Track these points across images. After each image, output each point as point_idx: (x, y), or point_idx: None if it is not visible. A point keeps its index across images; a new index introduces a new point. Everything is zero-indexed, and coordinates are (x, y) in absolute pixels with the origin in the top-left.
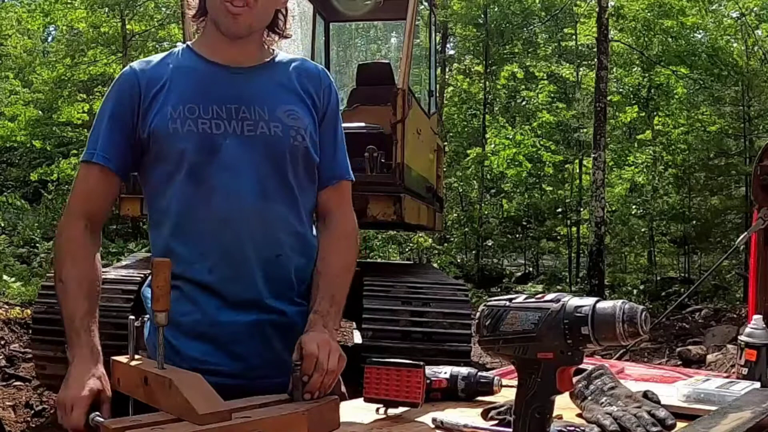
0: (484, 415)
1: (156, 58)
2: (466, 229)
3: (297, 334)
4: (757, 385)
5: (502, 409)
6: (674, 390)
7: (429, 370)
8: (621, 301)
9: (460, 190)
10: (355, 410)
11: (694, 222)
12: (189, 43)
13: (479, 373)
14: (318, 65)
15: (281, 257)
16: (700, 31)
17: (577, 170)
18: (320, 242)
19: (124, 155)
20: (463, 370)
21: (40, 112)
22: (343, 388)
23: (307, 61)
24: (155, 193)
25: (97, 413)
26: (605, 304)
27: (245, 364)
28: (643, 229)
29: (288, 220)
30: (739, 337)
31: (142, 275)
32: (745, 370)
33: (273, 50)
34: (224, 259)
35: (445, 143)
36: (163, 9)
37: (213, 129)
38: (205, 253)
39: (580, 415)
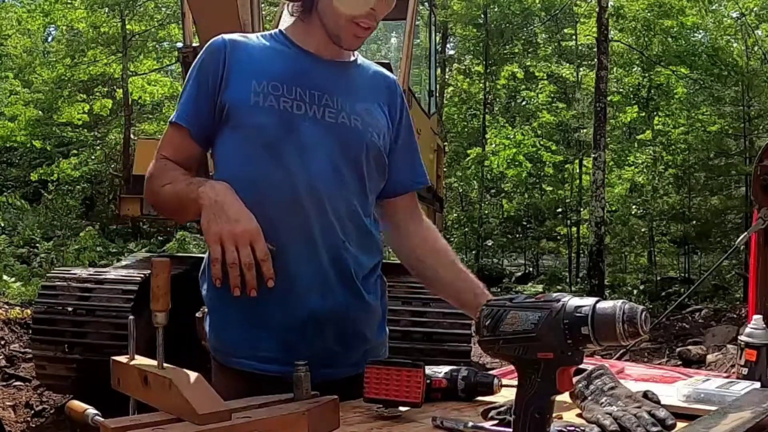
0: (484, 415)
1: (249, 35)
2: (466, 229)
3: (349, 325)
4: (757, 385)
5: (502, 409)
6: (674, 390)
7: (429, 370)
8: (621, 301)
9: (460, 190)
10: (354, 410)
11: (694, 222)
12: (282, 28)
13: (479, 373)
14: (391, 75)
15: (346, 246)
16: (700, 31)
17: (577, 170)
18: (421, 236)
19: (206, 122)
20: (463, 370)
21: (40, 112)
22: None
23: (383, 69)
24: (227, 161)
25: (97, 413)
26: (605, 304)
27: (294, 353)
28: (643, 229)
29: (357, 211)
30: (739, 337)
31: (142, 275)
32: (745, 370)
33: (354, 52)
34: (292, 237)
35: (445, 143)
36: (163, 9)
37: (294, 109)
38: (274, 229)
39: (580, 415)
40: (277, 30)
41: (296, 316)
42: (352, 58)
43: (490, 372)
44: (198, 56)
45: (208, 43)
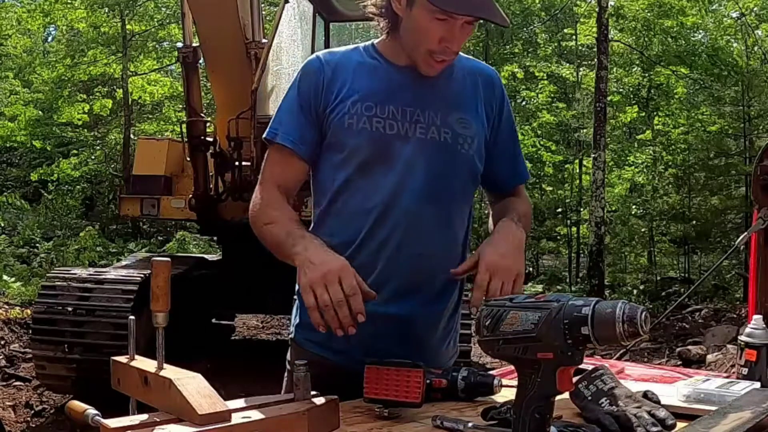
0: (484, 415)
1: (341, 50)
2: None
3: (413, 333)
4: (757, 385)
5: (502, 409)
6: (674, 390)
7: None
8: (621, 301)
9: None
10: (354, 410)
11: (694, 222)
12: (374, 42)
13: (479, 373)
14: (491, 68)
15: (430, 257)
16: (700, 31)
17: (577, 170)
18: (504, 202)
19: (313, 141)
20: (463, 371)
21: (40, 112)
22: None
23: (482, 64)
24: (324, 185)
25: (97, 413)
26: (605, 304)
27: (352, 352)
28: (643, 229)
29: (445, 224)
30: (739, 337)
31: (142, 275)
32: (745, 370)
33: None
34: (379, 252)
35: None
36: (163, 9)
37: (386, 129)
38: (366, 247)
39: (580, 415)
40: (369, 43)
41: (375, 322)
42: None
43: (491, 372)
44: (297, 77)
45: (305, 63)
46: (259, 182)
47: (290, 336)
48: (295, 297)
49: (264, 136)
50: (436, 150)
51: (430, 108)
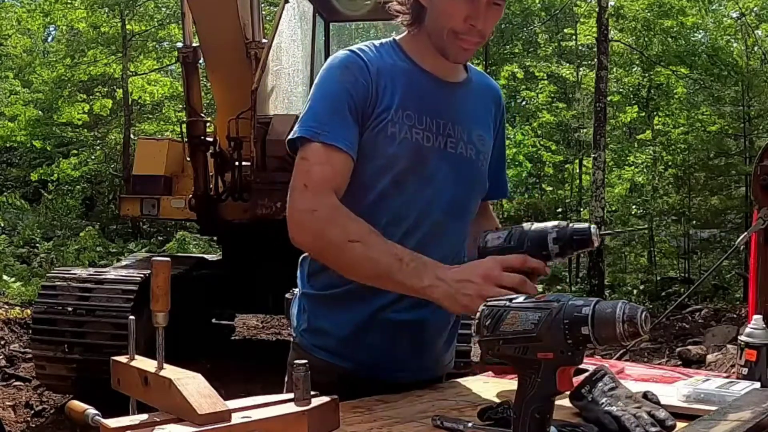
0: (481, 416)
1: (369, 47)
2: None
3: (424, 338)
4: (757, 385)
5: (498, 409)
6: (674, 390)
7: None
8: (621, 301)
9: None
10: (355, 410)
11: (694, 222)
12: (396, 38)
13: (571, 225)
14: (496, 84)
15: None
16: (700, 31)
17: (577, 170)
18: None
19: (356, 140)
20: (551, 224)
21: (40, 112)
22: None
23: (489, 78)
24: (357, 191)
25: (97, 413)
26: (605, 304)
27: (362, 358)
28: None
29: (461, 237)
30: (739, 337)
31: (142, 275)
32: (745, 370)
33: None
34: None
35: None
36: (163, 9)
37: (424, 141)
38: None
39: (579, 415)
40: (392, 39)
41: (390, 329)
42: (464, 76)
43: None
44: (333, 70)
45: (345, 59)
46: (304, 187)
47: (294, 340)
48: (300, 300)
49: (298, 134)
50: (464, 166)
51: (458, 123)
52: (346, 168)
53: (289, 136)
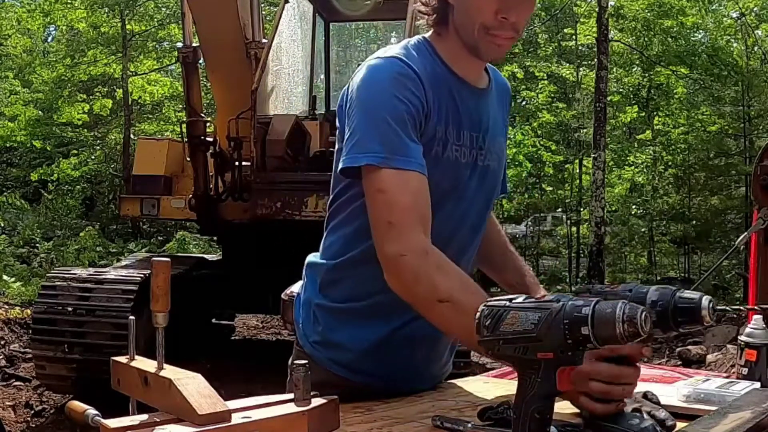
0: (481, 416)
1: (408, 51)
2: None
3: (438, 350)
4: (757, 385)
5: (498, 409)
6: (674, 390)
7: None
8: (621, 301)
9: None
10: (355, 410)
11: (694, 222)
12: (428, 37)
13: (677, 294)
14: (507, 83)
15: None
16: (700, 31)
17: (577, 170)
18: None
19: (422, 157)
20: (653, 293)
21: (40, 112)
22: None
23: (501, 75)
24: None
25: (97, 413)
26: (605, 304)
27: (379, 374)
28: (643, 229)
29: (475, 251)
30: (739, 337)
31: (142, 275)
32: (745, 370)
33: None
34: None
35: None
36: (163, 9)
37: (461, 158)
38: None
39: (579, 415)
40: (423, 40)
41: (411, 344)
42: (486, 80)
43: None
44: (383, 84)
45: (393, 69)
46: (389, 225)
47: (302, 349)
48: (309, 309)
49: (365, 162)
50: (489, 177)
51: (486, 132)
52: (425, 189)
53: (349, 163)
